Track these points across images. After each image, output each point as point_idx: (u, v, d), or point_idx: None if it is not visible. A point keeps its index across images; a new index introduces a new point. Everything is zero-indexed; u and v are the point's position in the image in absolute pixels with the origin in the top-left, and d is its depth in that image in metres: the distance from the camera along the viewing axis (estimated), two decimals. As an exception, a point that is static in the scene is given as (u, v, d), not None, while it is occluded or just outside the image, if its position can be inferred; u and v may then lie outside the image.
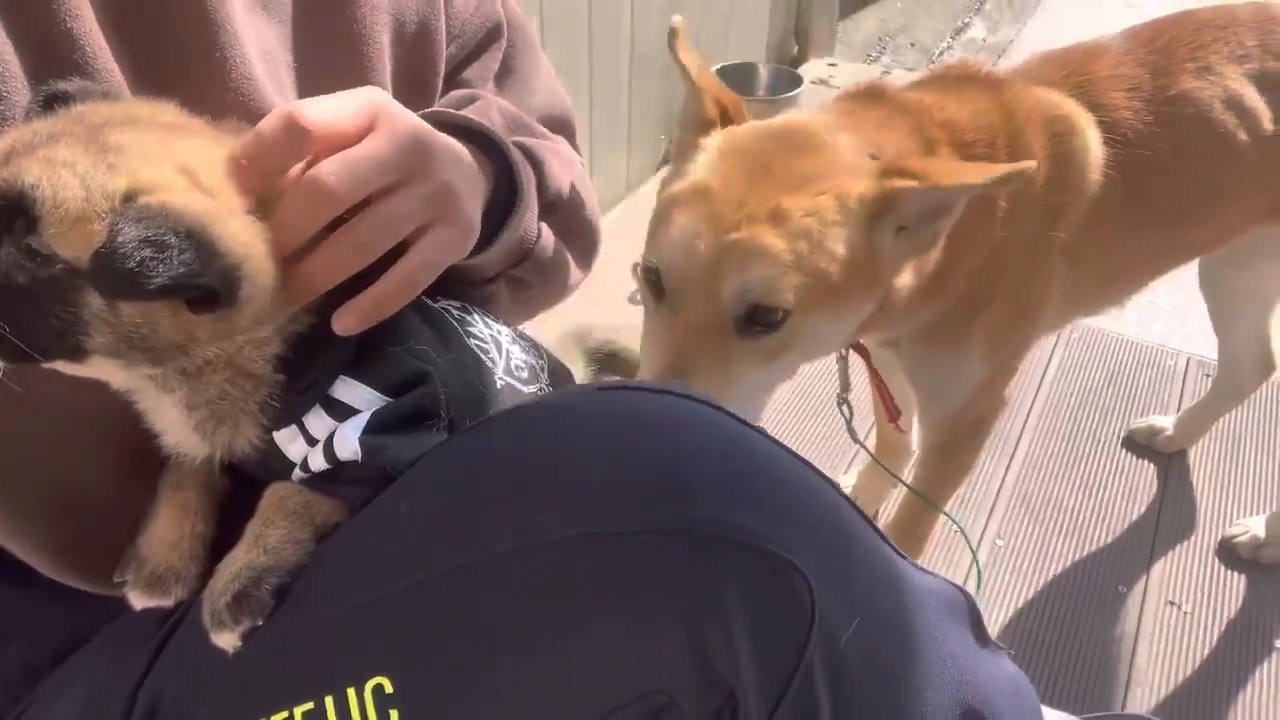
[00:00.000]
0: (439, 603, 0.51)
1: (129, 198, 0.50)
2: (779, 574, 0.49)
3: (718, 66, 2.15)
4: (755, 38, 2.32)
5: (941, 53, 3.05)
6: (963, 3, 3.50)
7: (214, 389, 0.57)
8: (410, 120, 0.58)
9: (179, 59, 0.60)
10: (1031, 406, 1.76)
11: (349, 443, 0.59)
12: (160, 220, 0.49)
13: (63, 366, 0.54)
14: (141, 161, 0.51)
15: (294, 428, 0.60)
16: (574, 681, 0.50)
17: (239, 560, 0.57)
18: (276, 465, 0.61)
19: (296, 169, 0.55)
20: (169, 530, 0.65)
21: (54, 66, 0.55)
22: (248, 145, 0.53)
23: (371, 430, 0.59)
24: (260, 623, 0.55)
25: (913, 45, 3.05)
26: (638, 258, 0.90)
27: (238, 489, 0.67)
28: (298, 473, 0.61)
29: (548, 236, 0.78)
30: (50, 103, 0.55)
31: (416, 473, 0.57)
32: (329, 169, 0.53)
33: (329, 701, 0.52)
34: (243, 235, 0.51)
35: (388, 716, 0.51)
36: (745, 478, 0.50)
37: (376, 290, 0.56)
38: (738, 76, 2.15)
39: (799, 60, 2.40)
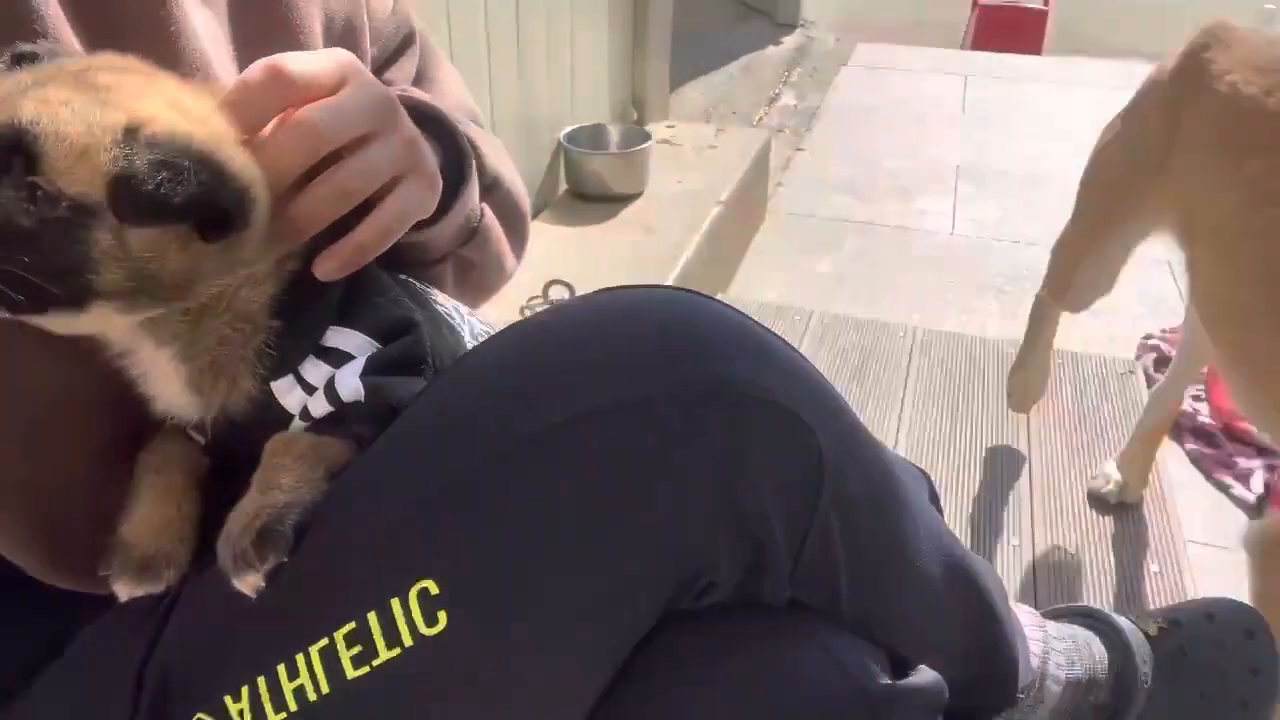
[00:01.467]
0: (478, 493, 0.53)
1: (129, 131, 0.51)
2: (795, 429, 0.54)
3: (572, 129, 2.27)
4: (598, 106, 2.48)
5: (760, 118, 3.32)
6: (770, 77, 3.84)
7: (213, 335, 0.58)
8: (376, 80, 0.62)
9: (134, 34, 0.61)
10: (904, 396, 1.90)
11: (351, 384, 0.60)
12: (170, 145, 0.50)
13: (60, 322, 0.53)
14: (134, 97, 0.52)
15: (291, 377, 0.61)
16: (621, 559, 0.52)
17: (255, 502, 0.57)
18: (272, 421, 0.61)
19: (272, 124, 0.57)
20: (154, 514, 0.63)
21: (13, 35, 0.56)
22: (234, 91, 0.55)
23: (369, 373, 0.61)
24: (285, 559, 0.55)
25: (734, 113, 3.32)
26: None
27: (217, 476, 0.66)
28: (297, 422, 0.61)
29: (490, 216, 0.82)
30: (18, 62, 0.55)
31: (434, 382, 0.59)
32: (315, 112, 0.56)
33: (371, 617, 0.52)
34: (246, 161, 0.53)
35: (435, 619, 0.52)
36: (761, 349, 0.55)
37: (356, 237, 0.59)
38: (591, 135, 2.29)
39: (640, 124, 2.57)
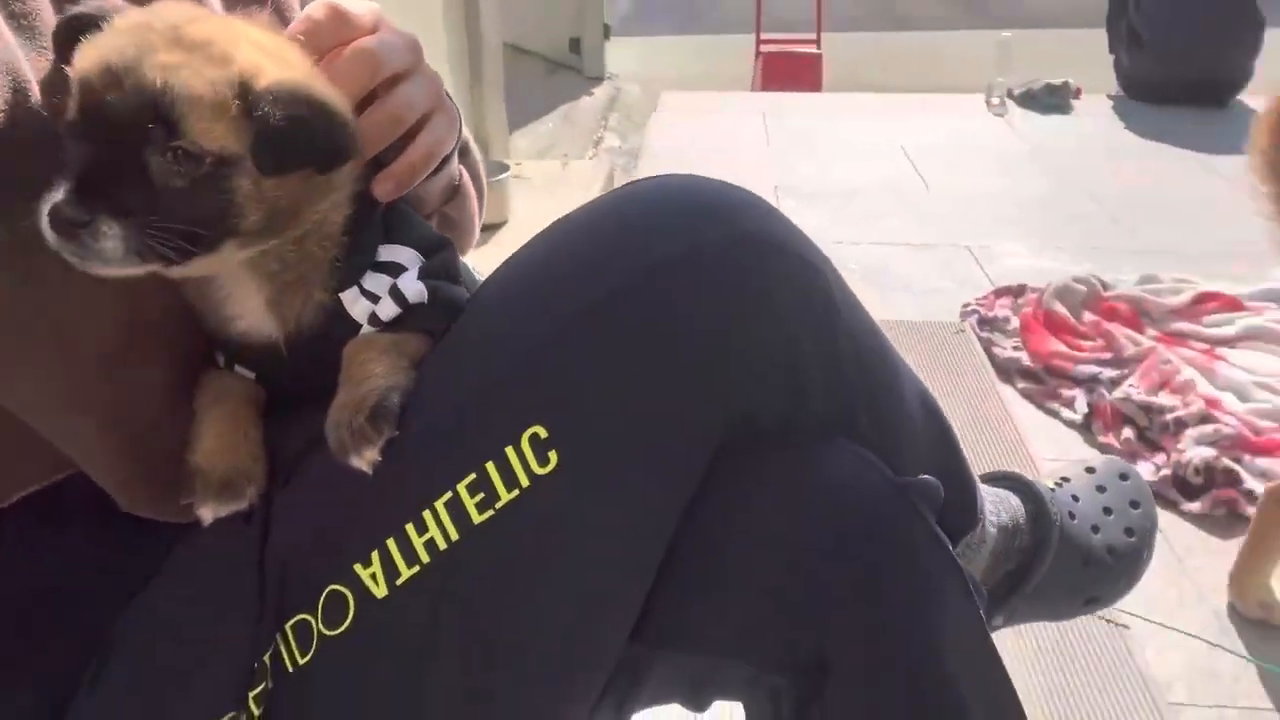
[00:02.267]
0: (564, 350, 0.61)
1: (244, 84, 0.56)
2: (808, 271, 0.66)
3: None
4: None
5: (591, 158, 3.51)
6: (590, 124, 4.06)
7: (301, 254, 0.63)
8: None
9: None
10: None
11: (415, 287, 0.67)
12: (291, 96, 0.57)
13: (196, 266, 0.58)
14: (231, 46, 0.58)
15: (356, 289, 0.66)
16: (687, 391, 0.62)
17: (356, 390, 0.62)
18: (343, 331, 0.66)
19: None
20: (223, 439, 0.66)
21: None
22: (300, 25, 0.62)
23: (423, 279, 0.68)
24: (397, 432, 0.60)
25: (565, 155, 3.48)
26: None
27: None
28: (367, 328, 0.66)
29: (466, 178, 0.90)
30: (74, 26, 0.57)
31: (497, 272, 0.66)
32: (371, 43, 0.63)
33: (490, 467, 0.59)
34: (340, 95, 0.60)
35: (547, 459, 0.59)
36: (769, 209, 0.67)
37: (407, 159, 0.67)
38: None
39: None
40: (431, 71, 0.70)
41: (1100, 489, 1.13)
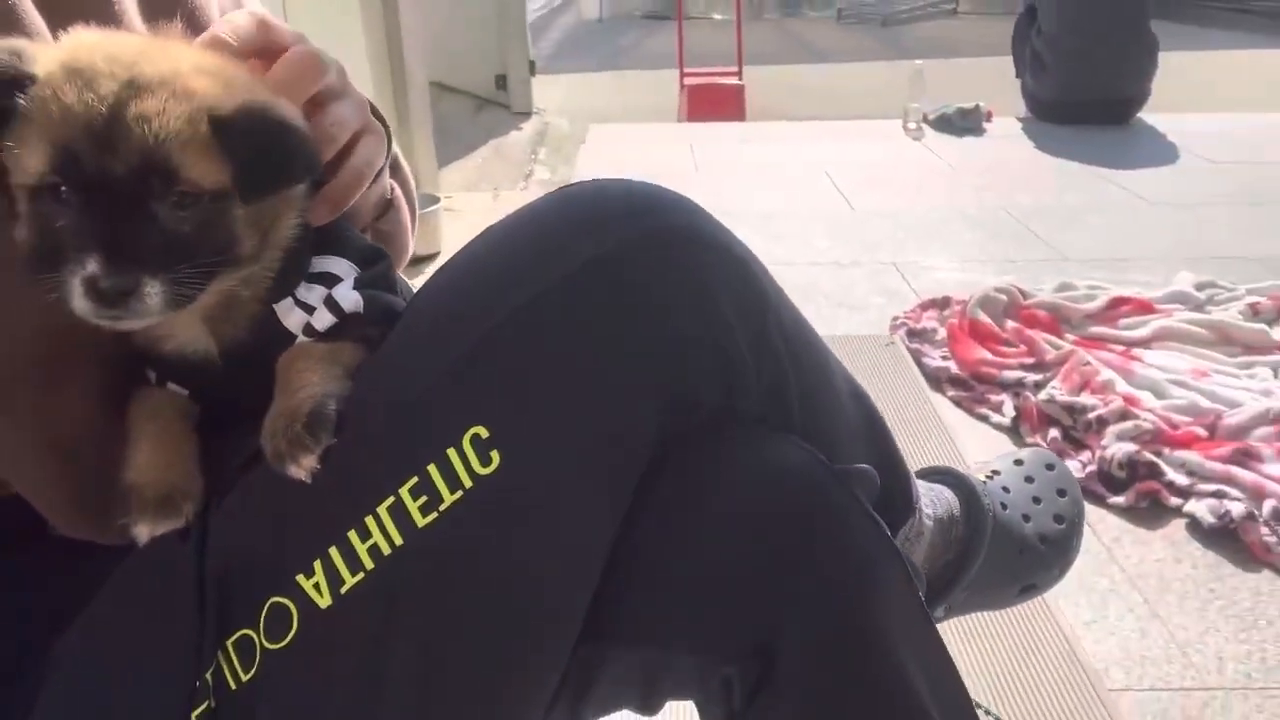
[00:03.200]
0: (503, 347, 0.61)
1: (214, 115, 0.57)
2: (742, 266, 0.68)
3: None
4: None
5: (522, 190, 3.53)
6: (520, 157, 4.08)
7: (256, 270, 0.63)
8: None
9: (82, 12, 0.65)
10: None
11: (351, 296, 0.67)
12: (259, 120, 0.57)
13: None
14: (188, 80, 0.58)
15: (289, 300, 0.66)
16: (628, 385, 0.63)
17: (290, 399, 0.61)
18: (277, 344, 0.66)
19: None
20: (158, 455, 0.65)
21: None
22: (226, 28, 0.62)
23: (360, 288, 0.68)
24: (334, 440, 0.60)
25: (496, 188, 3.49)
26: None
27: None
28: (302, 338, 0.66)
29: (399, 193, 0.91)
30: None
31: (431, 280, 0.66)
32: (306, 50, 0.64)
33: (432, 469, 0.59)
34: (291, 109, 0.61)
35: (489, 459, 0.59)
36: (698, 208, 0.69)
37: (340, 181, 0.68)
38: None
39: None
40: (358, 92, 0.71)
41: (1029, 479, 1.17)
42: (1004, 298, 2.39)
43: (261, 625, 0.58)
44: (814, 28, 10.09)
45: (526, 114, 4.70)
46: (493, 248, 0.67)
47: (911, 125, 4.58)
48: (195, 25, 0.76)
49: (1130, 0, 4.44)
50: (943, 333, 2.32)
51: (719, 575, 0.65)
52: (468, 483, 0.59)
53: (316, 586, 0.58)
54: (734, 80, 5.32)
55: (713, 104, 5.09)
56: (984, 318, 2.32)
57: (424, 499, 0.59)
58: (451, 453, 0.59)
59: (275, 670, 0.58)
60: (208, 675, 0.58)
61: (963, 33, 8.92)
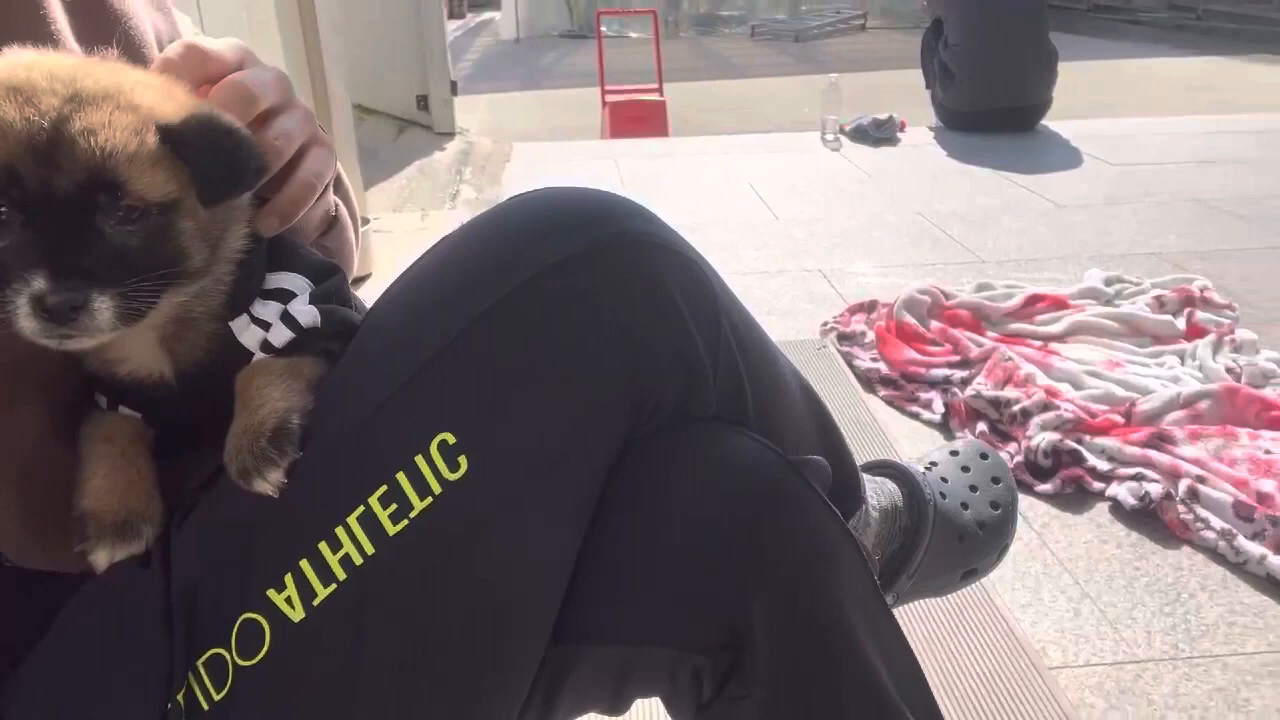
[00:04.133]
0: (464, 356, 0.62)
1: (163, 128, 0.57)
2: (693, 268, 0.70)
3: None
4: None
5: (451, 208, 3.51)
6: (445, 177, 4.06)
7: (200, 289, 0.62)
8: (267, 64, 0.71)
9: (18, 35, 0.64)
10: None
11: (308, 311, 0.67)
12: (207, 127, 0.57)
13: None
14: (130, 94, 0.57)
15: (245, 316, 0.66)
16: (590, 386, 0.64)
17: (253, 416, 0.61)
18: (234, 362, 0.66)
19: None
20: (113, 479, 0.64)
21: None
22: (158, 66, 0.62)
23: (315, 302, 0.68)
24: (300, 454, 0.60)
25: (423, 209, 3.47)
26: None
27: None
28: (259, 355, 0.66)
29: (343, 210, 0.91)
30: None
31: (390, 288, 0.67)
32: (243, 78, 0.64)
33: (400, 477, 0.60)
34: (237, 121, 0.61)
35: (457, 464, 0.60)
36: (649, 213, 0.71)
37: (287, 194, 0.68)
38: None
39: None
40: (304, 105, 0.71)
41: (965, 469, 1.22)
42: (927, 299, 2.47)
43: (233, 643, 0.58)
44: (729, 44, 10.28)
45: (449, 134, 4.68)
46: (450, 258, 0.68)
47: (829, 136, 4.71)
48: (131, 51, 0.76)
49: (1030, 14, 4.66)
50: (871, 335, 2.39)
51: (686, 568, 0.67)
52: (437, 489, 0.60)
53: (288, 600, 0.58)
54: (655, 96, 5.39)
55: (635, 120, 5.14)
56: (909, 319, 2.40)
57: (394, 507, 0.59)
58: (420, 460, 0.60)
59: (249, 687, 0.58)
60: (179, 697, 0.57)
61: (872, 47, 9.20)
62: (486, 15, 13.09)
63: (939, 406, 2.10)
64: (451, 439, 0.60)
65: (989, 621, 1.38)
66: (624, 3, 9.82)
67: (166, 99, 0.59)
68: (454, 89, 4.82)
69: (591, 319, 0.64)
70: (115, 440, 0.65)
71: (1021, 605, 1.52)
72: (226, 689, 0.57)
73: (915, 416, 2.11)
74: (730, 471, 0.69)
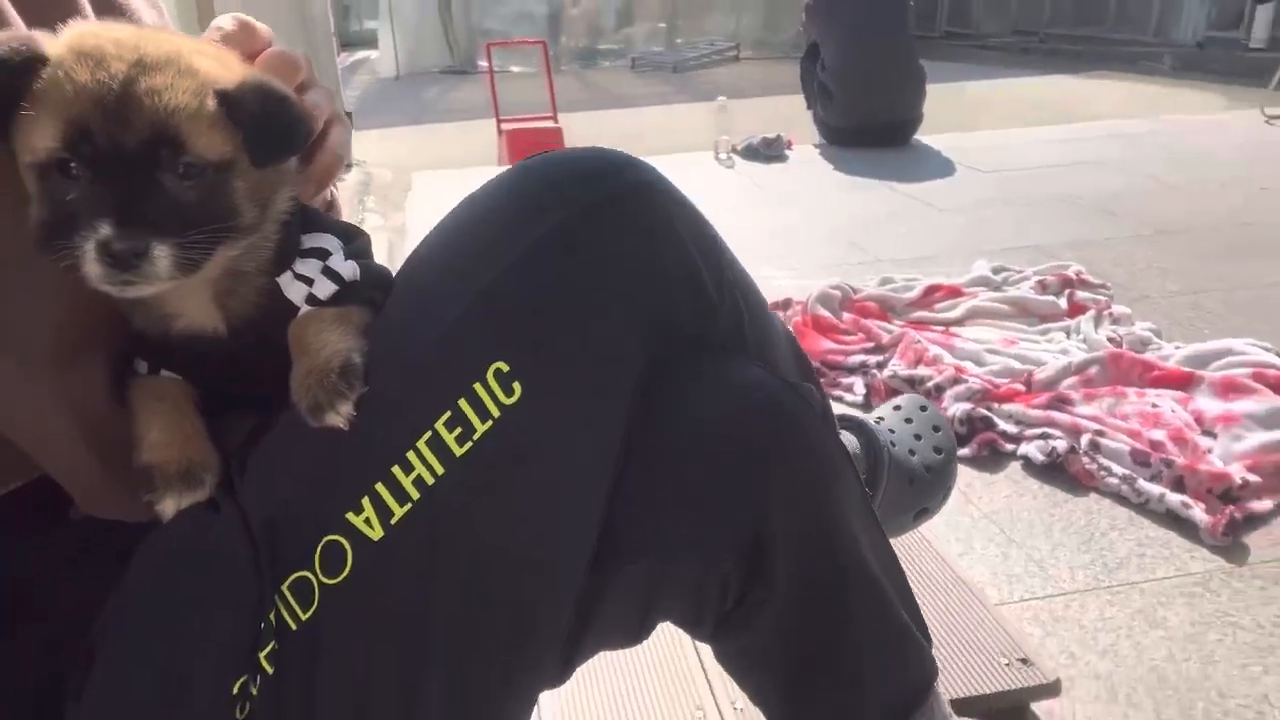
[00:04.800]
0: (511, 290, 0.68)
1: (220, 92, 0.60)
2: (693, 209, 0.78)
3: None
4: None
5: (358, 237, 3.49)
6: (349, 208, 4.03)
7: (252, 246, 0.66)
8: None
9: None
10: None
11: (347, 265, 0.72)
12: (260, 92, 0.61)
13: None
14: (190, 60, 0.61)
15: (289, 273, 0.70)
16: (618, 313, 0.70)
17: (315, 357, 0.65)
18: (277, 319, 0.69)
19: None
20: (172, 433, 0.67)
21: None
22: (215, 35, 0.66)
23: (350, 258, 0.73)
24: (366, 387, 0.64)
25: (331, 238, 3.44)
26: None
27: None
28: (305, 307, 0.70)
29: (337, 197, 0.95)
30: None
31: (428, 238, 0.72)
32: (284, 49, 0.69)
33: (462, 403, 0.65)
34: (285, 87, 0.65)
35: (512, 390, 0.66)
36: (646, 164, 0.78)
37: (322, 162, 0.73)
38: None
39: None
40: (324, 85, 0.76)
41: (908, 420, 1.33)
42: (838, 294, 2.62)
43: (317, 564, 0.61)
44: (610, 76, 10.51)
45: (348, 166, 4.65)
46: (480, 209, 0.73)
47: (723, 156, 4.91)
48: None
49: (897, 36, 4.99)
50: (789, 330, 2.51)
51: (712, 481, 0.74)
52: (496, 413, 0.65)
53: (367, 521, 0.62)
54: (551, 124, 5.49)
55: (533, 146, 5.19)
56: (824, 312, 2.54)
57: (459, 430, 0.64)
58: (478, 387, 0.65)
59: (335, 604, 0.61)
60: (270, 616, 0.60)
61: (748, 75, 9.58)
62: (362, 54, 12.98)
63: (860, 388, 2.23)
64: (505, 367, 0.65)
65: (936, 568, 1.48)
66: (506, 37, 9.94)
67: (222, 66, 0.63)
68: (350, 120, 4.80)
69: (619, 257, 0.71)
70: (166, 398, 0.68)
71: (957, 555, 1.64)
72: (314, 609, 0.61)
73: (839, 400, 2.24)
74: (744, 394, 0.76)
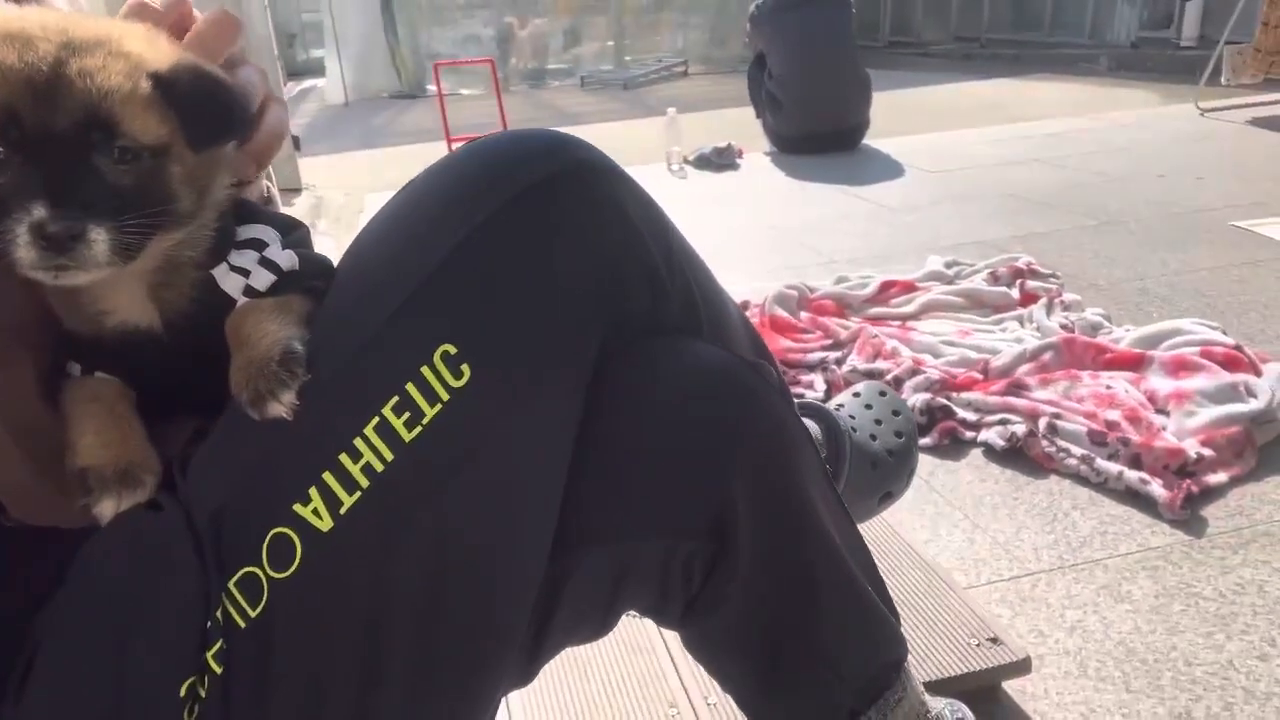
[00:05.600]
0: (456, 274, 0.67)
1: (153, 74, 0.59)
2: (640, 191, 0.77)
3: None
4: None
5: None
6: (297, 232, 3.98)
7: (193, 230, 0.64)
8: None
9: None
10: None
11: (285, 254, 0.70)
12: (194, 75, 0.59)
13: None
14: (119, 44, 0.59)
15: (225, 265, 0.68)
16: (569, 299, 0.69)
17: (255, 348, 0.63)
18: (217, 310, 0.67)
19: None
20: (109, 434, 0.65)
21: None
22: (134, 9, 0.64)
23: (288, 248, 0.71)
24: (309, 375, 0.62)
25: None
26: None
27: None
28: (242, 299, 0.68)
29: (274, 191, 0.93)
30: None
31: (369, 225, 0.70)
32: (223, 10, 0.67)
33: (410, 387, 0.63)
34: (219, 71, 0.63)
35: (460, 372, 0.64)
36: (591, 144, 0.77)
37: (259, 140, 0.71)
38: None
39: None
40: (256, 65, 0.74)
41: (868, 406, 1.33)
42: (794, 294, 2.64)
43: (265, 558, 0.59)
44: (561, 95, 10.53)
45: (296, 190, 4.59)
46: (426, 191, 0.72)
47: (675, 166, 4.93)
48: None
49: (841, 44, 5.06)
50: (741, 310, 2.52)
51: (672, 463, 0.73)
52: (445, 396, 0.63)
53: (315, 512, 0.60)
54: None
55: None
56: (781, 312, 2.55)
57: (407, 415, 0.62)
58: (425, 370, 0.63)
59: (285, 599, 0.59)
60: (218, 614, 0.58)
61: (696, 90, 9.66)
62: (308, 83, 12.88)
63: (820, 385, 2.24)
64: (453, 349, 0.64)
65: (902, 554, 1.49)
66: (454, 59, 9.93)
67: (153, 48, 0.61)
68: (297, 144, 4.75)
69: (566, 236, 0.70)
70: (101, 399, 0.65)
71: (924, 542, 1.65)
72: (263, 604, 0.58)
73: (800, 397, 2.24)
74: (702, 374, 0.76)
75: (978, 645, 1.28)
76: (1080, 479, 1.81)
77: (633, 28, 11.92)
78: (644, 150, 5.34)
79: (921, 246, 3.32)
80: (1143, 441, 1.80)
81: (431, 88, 7.13)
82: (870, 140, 5.23)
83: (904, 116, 6.29)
